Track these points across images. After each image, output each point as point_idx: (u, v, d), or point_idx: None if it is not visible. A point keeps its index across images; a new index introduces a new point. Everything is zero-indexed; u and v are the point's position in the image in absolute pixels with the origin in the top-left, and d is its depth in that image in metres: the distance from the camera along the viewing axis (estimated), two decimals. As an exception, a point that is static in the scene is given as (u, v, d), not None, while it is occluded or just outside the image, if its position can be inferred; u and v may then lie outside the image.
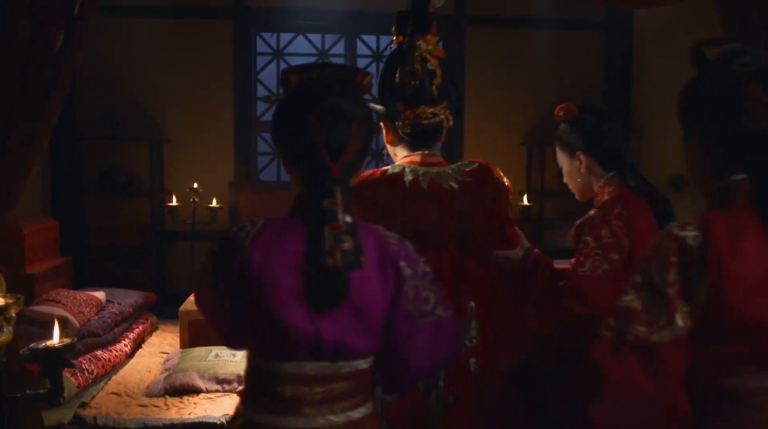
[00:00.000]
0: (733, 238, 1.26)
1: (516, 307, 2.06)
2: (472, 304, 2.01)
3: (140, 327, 5.04)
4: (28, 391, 2.25)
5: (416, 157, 2.06)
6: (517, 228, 2.13)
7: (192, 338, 4.52)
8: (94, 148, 5.99)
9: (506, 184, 2.12)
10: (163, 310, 5.59)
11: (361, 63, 6.51)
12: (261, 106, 6.47)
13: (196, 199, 5.57)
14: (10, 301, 2.24)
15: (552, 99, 6.47)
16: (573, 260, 2.10)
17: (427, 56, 2.02)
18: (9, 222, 2.51)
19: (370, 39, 6.53)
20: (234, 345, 1.57)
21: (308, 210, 1.39)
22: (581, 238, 2.02)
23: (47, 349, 2.15)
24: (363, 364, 1.45)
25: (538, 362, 1.99)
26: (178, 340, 4.79)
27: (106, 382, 4.18)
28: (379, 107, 1.53)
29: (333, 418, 1.41)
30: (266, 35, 6.42)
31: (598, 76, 6.62)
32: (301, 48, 6.50)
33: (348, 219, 1.38)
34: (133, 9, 5.73)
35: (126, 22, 5.87)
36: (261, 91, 6.47)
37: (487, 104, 6.46)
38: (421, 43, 2.02)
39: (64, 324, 4.26)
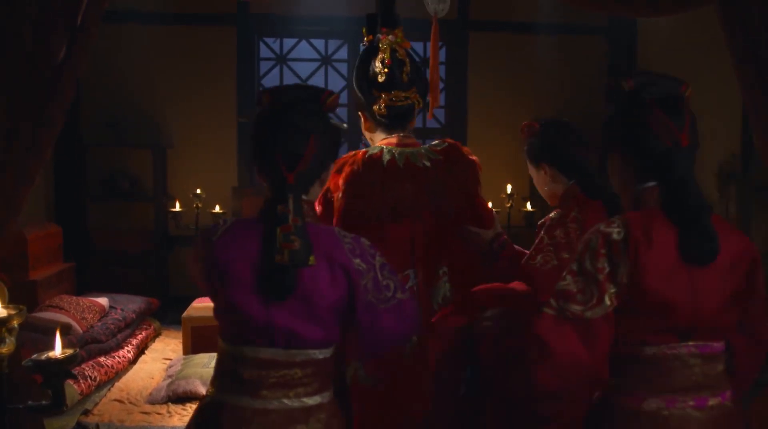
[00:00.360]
0: (646, 233, 1.56)
1: (482, 278, 2.25)
2: (445, 268, 2.21)
3: (143, 333, 5.05)
4: (30, 402, 2.25)
5: (393, 139, 2.26)
6: (492, 209, 2.34)
7: (195, 344, 4.52)
8: (97, 154, 6.00)
9: (475, 161, 2.34)
10: (166, 315, 5.61)
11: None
12: (264, 112, 6.48)
13: (200, 205, 5.58)
14: (13, 312, 2.24)
15: (555, 104, 6.47)
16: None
17: (396, 47, 2.25)
18: (12, 229, 2.50)
19: (374, 44, 6.53)
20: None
21: (266, 213, 1.58)
22: (538, 236, 2.17)
23: (49, 360, 2.15)
24: (318, 354, 1.60)
25: (483, 328, 2.15)
26: (181, 345, 4.80)
27: (109, 389, 4.19)
28: (343, 125, 1.74)
29: (287, 401, 1.57)
30: (269, 40, 6.43)
31: (602, 82, 6.60)
32: (305, 53, 6.51)
33: (299, 222, 1.54)
34: (136, 15, 5.75)
35: (129, 29, 5.88)
36: (264, 97, 6.47)
37: (490, 109, 6.46)
38: (390, 37, 2.25)
39: (67, 330, 4.27)
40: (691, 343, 1.58)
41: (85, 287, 5.58)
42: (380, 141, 2.27)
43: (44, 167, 4.39)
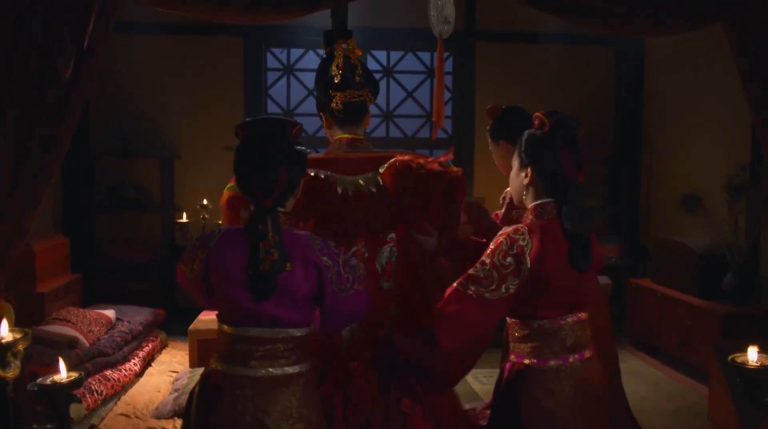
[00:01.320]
0: (544, 243, 2.10)
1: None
2: (393, 235, 2.47)
3: (150, 345, 5.05)
4: (35, 426, 2.24)
5: (346, 135, 2.54)
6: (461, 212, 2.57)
7: (201, 357, 4.52)
8: (105, 165, 6.02)
9: (426, 171, 2.43)
10: (172, 326, 5.61)
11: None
12: (271, 122, 6.48)
13: (206, 216, 5.58)
14: (18, 336, 2.24)
15: (563, 115, 6.45)
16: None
17: (349, 54, 2.56)
18: (17, 252, 2.51)
19: (381, 54, 6.53)
20: (206, 307, 2.20)
21: (251, 229, 1.95)
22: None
23: (54, 384, 2.15)
24: (296, 332, 2.00)
25: None
26: (187, 357, 4.80)
27: (115, 403, 4.19)
28: (307, 150, 2.10)
29: (272, 370, 1.97)
30: (277, 51, 6.43)
31: (610, 92, 6.59)
32: (312, 63, 6.50)
33: (276, 238, 1.93)
34: (144, 26, 5.75)
35: (137, 39, 5.89)
36: (272, 107, 6.47)
37: (497, 119, 6.43)
38: (344, 45, 2.56)
39: (74, 344, 4.28)
40: (571, 315, 2.18)
41: (92, 298, 5.59)
42: (336, 137, 2.55)
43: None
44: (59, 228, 5.76)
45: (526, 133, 2.27)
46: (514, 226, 2.14)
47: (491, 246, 2.13)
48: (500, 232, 2.15)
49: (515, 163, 2.31)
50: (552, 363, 2.15)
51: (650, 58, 6.35)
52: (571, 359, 2.17)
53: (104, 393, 4.17)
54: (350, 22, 6.03)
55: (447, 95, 6.50)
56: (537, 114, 2.25)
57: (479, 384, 4.55)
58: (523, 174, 2.24)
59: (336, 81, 2.51)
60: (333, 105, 2.51)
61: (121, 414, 4.03)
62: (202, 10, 2.61)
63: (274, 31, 6.20)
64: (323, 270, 1.98)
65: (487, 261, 2.10)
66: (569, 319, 2.18)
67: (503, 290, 2.09)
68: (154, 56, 6.02)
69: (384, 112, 6.57)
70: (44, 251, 4.89)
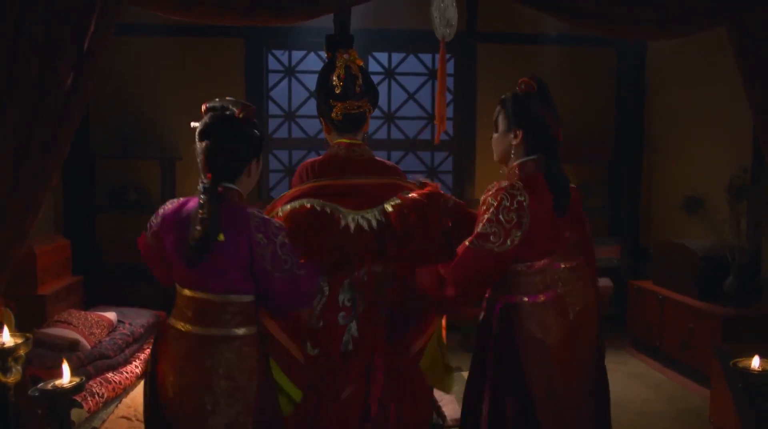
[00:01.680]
0: (537, 198, 2.37)
1: None
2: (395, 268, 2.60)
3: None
4: (36, 431, 2.25)
5: (344, 139, 2.64)
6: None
7: (202, 360, 4.51)
8: (106, 166, 6.02)
9: (430, 217, 2.54)
10: (174, 328, 5.59)
11: (373, 79, 6.48)
12: (273, 124, 6.48)
13: (207, 218, 5.57)
14: (19, 341, 2.24)
15: (565, 116, 6.39)
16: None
17: (350, 64, 2.63)
18: (17, 256, 2.51)
19: (382, 56, 6.52)
20: (161, 280, 2.39)
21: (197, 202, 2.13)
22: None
23: (55, 390, 2.15)
24: (235, 298, 2.16)
25: None
26: (188, 360, 4.79)
27: (117, 406, 4.19)
28: (256, 132, 2.23)
29: (215, 330, 2.15)
30: (278, 53, 6.42)
31: (611, 94, 6.58)
32: (313, 65, 6.49)
33: (209, 209, 2.06)
34: (145, 27, 5.75)
35: (138, 41, 5.89)
36: (273, 109, 6.47)
37: (498, 121, 6.43)
38: (345, 55, 2.64)
39: (76, 347, 4.27)
40: (548, 258, 2.51)
41: (93, 300, 5.59)
42: (334, 141, 2.64)
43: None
44: (60, 230, 5.76)
45: (512, 96, 2.55)
46: (508, 183, 2.40)
47: (493, 203, 2.37)
48: (496, 190, 2.39)
49: (501, 125, 2.56)
50: (524, 299, 2.49)
51: (651, 59, 6.34)
52: (540, 297, 2.51)
53: (105, 396, 4.17)
54: (351, 24, 6.04)
55: (448, 97, 6.49)
56: (524, 79, 2.52)
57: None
58: (512, 135, 2.51)
59: (337, 91, 2.59)
60: (333, 115, 2.59)
61: (123, 417, 4.03)
62: (201, 14, 2.61)
63: (275, 32, 6.19)
64: (254, 246, 2.11)
65: (493, 218, 2.34)
66: (548, 266, 2.53)
67: (509, 243, 2.34)
68: (154, 57, 6.01)
69: (385, 114, 6.57)
70: (45, 253, 4.89)
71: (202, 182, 2.13)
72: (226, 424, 2.13)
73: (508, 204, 2.33)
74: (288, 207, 2.38)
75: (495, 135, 2.62)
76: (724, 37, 3.15)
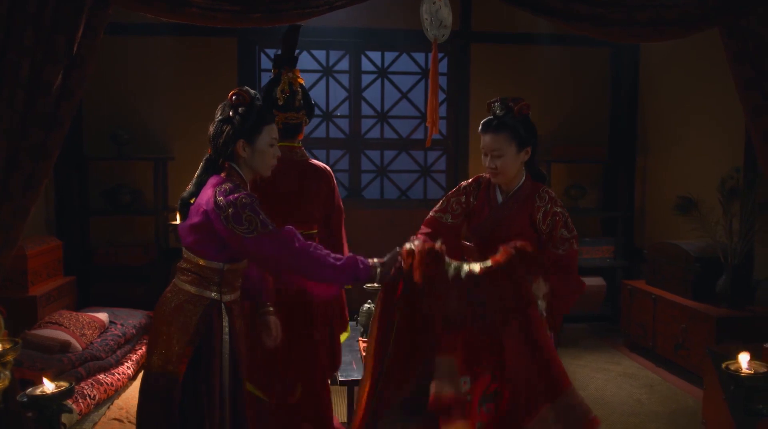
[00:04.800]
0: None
1: None
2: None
3: (143, 348, 5.02)
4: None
5: (285, 143, 3.13)
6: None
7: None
8: (98, 167, 5.99)
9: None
10: (166, 329, 5.57)
11: (366, 79, 6.49)
12: (265, 123, 6.45)
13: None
14: (8, 346, 2.22)
15: (559, 116, 6.45)
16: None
17: (293, 81, 3.16)
18: (7, 261, 2.48)
19: (375, 55, 6.51)
20: None
21: None
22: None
23: (44, 396, 2.13)
24: (200, 261, 2.37)
25: None
26: (181, 361, 4.76)
27: (108, 407, 4.17)
28: (238, 114, 2.43)
29: (188, 287, 2.38)
30: (271, 51, 6.39)
31: (605, 93, 6.58)
32: (306, 64, 6.48)
33: (200, 175, 2.44)
34: (136, 27, 5.73)
35: (130, 41, 5.88)
36: (266, 108, 6.45)
37: (492, 120, 6.42)
38: (289, 74, 3.16)
39: (67, 348, 4.25)
40: None
41: (85, 301, 5.57)
42: (280, 144, 2.79)
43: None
44: (52, 231, 5.73)
45: (521, 118, 2.79)
46: (552, 195, 2.83)
47: (564, 215, 2.80)
48: (554, 198, 2.82)
49: (512, 149, 2.76)
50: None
51: (645, 60, 6.33)
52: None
53: (97, 397, 4.15)
54: (345, 23, 6.05)
55: (442, 96, 6.48)
56: (523, 102, 2.80)
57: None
58: (523, 152, 2.80)
59: (279, 103, 3.13)
60: (276, 122, 2.74)
61: (115, 419, 4.01)
62: (192, 16, 2.59)
63: (268, 32, 6.17)
64: (210, 210, 2.27)
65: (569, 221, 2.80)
66: None
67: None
68: (147, 57, 5.98)
69: (379, 113, 6.55)
70: (37, 254, 4.86)
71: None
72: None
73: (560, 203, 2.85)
74: None
75: (499, 161, 2.78)
76: (717, 39, 3.15)
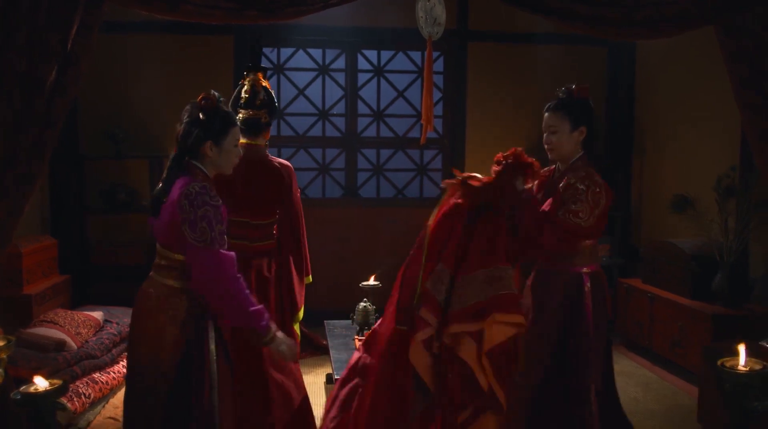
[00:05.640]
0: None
1: None
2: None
3: (139, 347, 5.01)
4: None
5: (245, 140, 3.35)
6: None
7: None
8: (95, 166, 5.98)
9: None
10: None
11: (363, 77, 6.49)
12: (262, 122, 6.44)
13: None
14: (1, 344, 2.21)
15: (554, 115, 6.43)
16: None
17: (255, 83, 3.45)
18: (2, 257, 2.48)
19: (371, 54, 6.51)
20: None
21: None
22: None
23: (38, 393, 2.12)
24: (176, 256, 2.44)
25: None
26: (176, 360, 4.75)
27: (104, 406, 4.16)
28: (209, 117, 2.55)
29: (167, 281, 2.47)
30: (267, 50, 6.38)
31: (602, 92, 6.58)
32: (302, 63, 6.48)
33: (170, 174, 2.50)
34: (133, 25, 5.71)
35: (126, 39, 5.86)
36: (262, 107, 6.44)
37: (489, 119, 6.43)
38: (254, 76, 3.47)
39: (62, 347, 4.24)
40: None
41: (81, 300, 5.55)
42: (241, 140, 2.99)
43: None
44: (47, 229, 5.72)
45: (580, 101, 2.98)
46: (589, 174, 2.89)
47: (583, 192, 2.83)
48: (585, 182, 2.84)
49: (566, 127, 2.96)
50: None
51: (642, 59, 6.34)
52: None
53: (92, 396, 4.14)
54: (342, 22, 6.05)
55: (438, 95, 6.48)
56: (583, 86, 2.99)
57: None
58: (576, 132, 2.97)
59: (242, 101, 3.44)
60: (238, 118, 3.24)
61: (110, 417, 4.00)
62: (188, 13, 2.58)
63: (264, 30, 6.15)
64: (177, 210, 2.37)
65: (583, 198, 2.83)
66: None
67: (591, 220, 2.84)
68: (143, 56, 5.97)
69: (375, 112, 6.55)
70: (31, 253, 4.85)
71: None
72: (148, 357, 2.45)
73: (598, 189, 2.83)
74: None
75: (555, 137, 3.00)
76: (713, 38, 3.15)
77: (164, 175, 2.51)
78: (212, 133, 2.53)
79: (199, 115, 2.53)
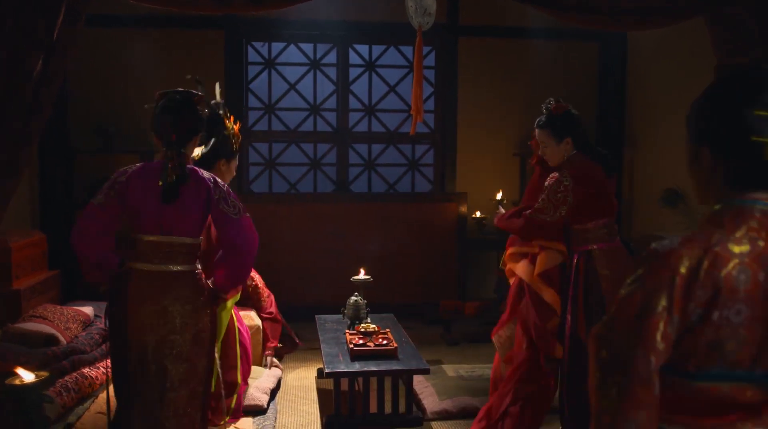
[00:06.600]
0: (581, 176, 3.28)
1: None
2: None
3: (129, 342, 4.98)
4: None
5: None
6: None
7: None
8: (85, 161, 5.94)
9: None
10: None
11: (354, 72, 6.48)
12: (253, 116, 6.43)
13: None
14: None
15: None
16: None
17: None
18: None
19: (363, 48, 6.49)
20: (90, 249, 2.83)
21: (163, 158, 2.74)
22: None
23: (23, 385, 2.11)
24: (187, 240, 2.71)
25: None
26: (166, 355, 4.73)
27: (93, 401, 4.12)
28: (201, 115, 2.92)
29: (171, 267, 2.69)
30: (258, 45, 6.37)
31: (593, 87, 6.59)
32: (294, 57, 6.45)
33: (180, 160, 2.69)
34: (123, 19, 5.69)
35: (116, 33, 5.83)
36: (253, 101, 6.42)
37: (480, 114, 6.43)
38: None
39: (51, 342, 4.21)
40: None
41: (71, 295, 5.51)
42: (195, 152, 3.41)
43: (29, 173, 4.34)
44: (37, 224, 5.68)
45: (559, 116, 3.30)
46: (560, 174, 3.23)
47: (548, 188, 3.25)
48: (554, 177, 3.23)
49: (552, 141, 3.29)
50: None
51: (633, 53, 6.35)
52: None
53: (81, 391, 4.11)
54: (333, 16, 6.03)
55: (429, 90, 6.47)
56: (558, 104, 3.33)
57: (461, 379, 4.53)
58: (563, 143, 3.28)
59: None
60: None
61: (99, 412, 3.97)
62: (175, 2, 2.56)
63: (255, 24, 6.15)
64: (210, 190, 2.70)
65: (545, 198, 3.25)
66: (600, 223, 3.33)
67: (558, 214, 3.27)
68: (133, 50, 5.93)
69: (366, 107, 6.54)
70: (20, 248, 4.80)
71: (167, 144, 2.72)
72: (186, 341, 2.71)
73: (562, 187, 3.15)
74: None
75: (546, 150, 3.34)
76: (704, 32, 3.15)
77: (175, 161, 2.67)
78: (202, 126, 2.95)
79: (197, 110, 2.89)
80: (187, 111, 2.81)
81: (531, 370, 3.34)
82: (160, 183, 2.64)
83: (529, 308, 3.36)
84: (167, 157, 2.69)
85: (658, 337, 1.22)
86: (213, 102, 3.92)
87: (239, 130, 4.01)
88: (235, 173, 3.99)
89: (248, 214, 2.79)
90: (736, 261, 1.23)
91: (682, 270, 1.23)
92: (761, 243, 1.24)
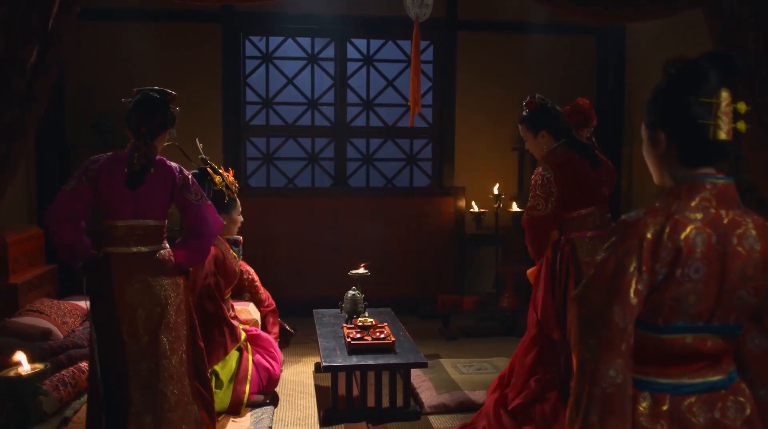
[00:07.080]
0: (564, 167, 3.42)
1: None
2: None
3: (126, 336, 4.97)
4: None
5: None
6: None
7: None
8: (81, 156, 5.88)
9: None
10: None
11: (352, 66, 6.46)
12: (250, 111, 6.41)
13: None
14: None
15: (544, 104, 6.42)
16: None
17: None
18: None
19: (361, 42, 6.47)
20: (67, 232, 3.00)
21: (131, 148, 2.99)
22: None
23: (19, 377, 2.10)
24: (152, 222, 2.98)
25: None
26: (164, 349, 4.72)
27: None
28: (176, 109, 3.14)
29: (143, 248, 2.97)
30: (255, 39, 6.35)
31: (591, 81, 6.57)
32: (291, 52, 6.44)
33: (146, 150, 2.93)
34: (121, 13, 5.67)
35: (114, 27, 5.81)
36: (250, 96, 6.40)
37: (478, 108, 6.41)
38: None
39: (48, 336, 4.20)
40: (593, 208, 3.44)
41: (68, 290, 5.50)
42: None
43: (27, 168, 4.33)
44: (33, 219, 5.67)
45: (532, 111, 3.48)
46: (541, 167, 3.41)
47: (534, 182, 3.42)
48: (538, 172, 3.40)
49: (529, 135, 3.49)
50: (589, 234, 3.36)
51: (631, 47, 6.33)
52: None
53: (78, 385, 4.10)
54: (331, 11, 6.02)
55: (428, 85, 6.45)
56: (529, 99, 3.50)
57: (458, 374, 4.53)
58: (539, 137, 3.46)
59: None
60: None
61: (96, 406, 3.96)
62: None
63: (252, 19, 6.13)
64: (175, 178, 2.97)
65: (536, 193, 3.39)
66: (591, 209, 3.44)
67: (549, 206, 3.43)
68: (130, 44, 5.91)
69: (364, 101, 6.52)
70: (17, 242, 4.79)
71: (136, 136, 2.96)
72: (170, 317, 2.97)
73: (545, 180, 3.31)
74: None
75: (528, 144, 3.54)
76: (702, 27, 3.14)
77: (142, 150, 2.92)
78: (173, 123, 3.16)
79: (169, 106, 3.08)
80: (158, 106, 3.01)
81: (543, 353, 3.45)
82: (126, 170, 2.88)
83: (538, 288, 3.48)
84: (135, 146, 2.94)
85: (631, 293, 1.44)
86: (200, 157, 4.17)
87: (233, 178, 4.27)
88: (241, 220, 4.41)
89: (209, 202, 3.06)
90: (693, 226, 1.45)
91: (648, 235, 1.44)
92: (712, 210, 1.48)
